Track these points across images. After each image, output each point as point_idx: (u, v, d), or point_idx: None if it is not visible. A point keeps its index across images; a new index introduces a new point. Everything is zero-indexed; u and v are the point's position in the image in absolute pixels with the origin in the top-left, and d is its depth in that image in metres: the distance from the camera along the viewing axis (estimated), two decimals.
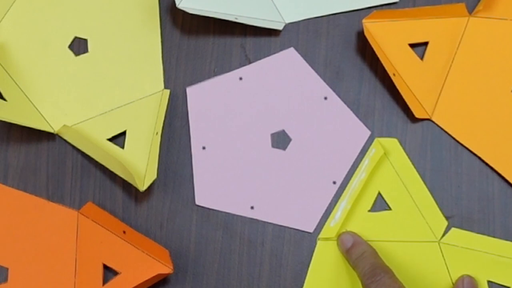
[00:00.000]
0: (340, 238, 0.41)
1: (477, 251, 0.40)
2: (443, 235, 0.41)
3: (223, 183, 0.43)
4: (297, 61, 0.44)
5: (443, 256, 0.40)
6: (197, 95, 0.44)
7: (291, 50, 0.44)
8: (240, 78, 0.44)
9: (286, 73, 0.44)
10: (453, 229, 0.41)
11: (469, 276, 0.39)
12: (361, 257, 0.39)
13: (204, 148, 0.43)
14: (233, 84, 0.44)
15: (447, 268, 0.40)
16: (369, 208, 0.41)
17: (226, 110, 0.43)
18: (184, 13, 0.44)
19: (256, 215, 0.42)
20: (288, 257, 0.41)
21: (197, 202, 0.43)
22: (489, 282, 0.40)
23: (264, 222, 0.42)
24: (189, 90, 0.44)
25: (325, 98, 0.43)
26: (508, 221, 0.41)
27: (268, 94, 0.43)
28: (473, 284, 0.39)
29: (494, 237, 0.41)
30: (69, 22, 0.45)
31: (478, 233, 0.41)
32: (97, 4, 0.45)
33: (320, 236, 0.42)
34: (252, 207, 0.42)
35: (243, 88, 0.44)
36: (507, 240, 0.41)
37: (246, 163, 0.43)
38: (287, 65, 0.44)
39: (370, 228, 0.41)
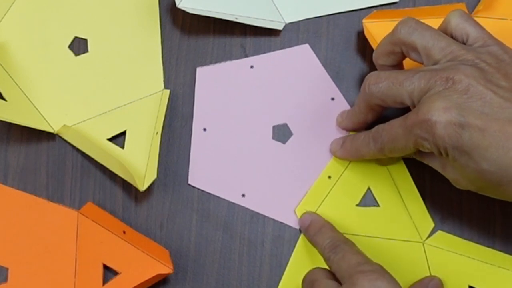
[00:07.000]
0: (300, 218, 0.41)
1: (460, 255, 0.40)
2: (429, 236, 0.41)
3: (218, 166, 0.43)
4: (310, 58, 0.44)
5: (426, 257, 0.40)
6: (206, 77, 0.44)
7: (306, 46, 0.44)
8: (251, 67, 0.44)
9: (297, 68, 0.44)
10: (439, 231, 0.41)
11: (439, 280, 0.39)
12: (318, 232, 0.39)
13: (205, 129, 0.43)
14: (243, 71, 0.44)
15: (429, 269, 0.40)
16: (357, 202, 0.41)
17: (232, 95, 0.44)
18: (184, 13, 0.44)
19: (246, 203, 0.42)
20: (288, 257, 0.41)
21: (189, 182, 0.43)
22: (470, 287, 0.39)
23: (264, 222, 0.42)
24: (199, 70, 0.44)
25: (332, 99, 0.43)
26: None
27: (276, 86, 0.43)
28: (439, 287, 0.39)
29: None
30: (69, 22, 0.45)
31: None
32: (97, 4, 0.45)
33: None
34: (243, 195, 0.42)
35: (253, 76, 0.44)
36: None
37: (244, 150, 0.43)
38: (300, 60, 0.44)
39: (356, 222, 0.41)
